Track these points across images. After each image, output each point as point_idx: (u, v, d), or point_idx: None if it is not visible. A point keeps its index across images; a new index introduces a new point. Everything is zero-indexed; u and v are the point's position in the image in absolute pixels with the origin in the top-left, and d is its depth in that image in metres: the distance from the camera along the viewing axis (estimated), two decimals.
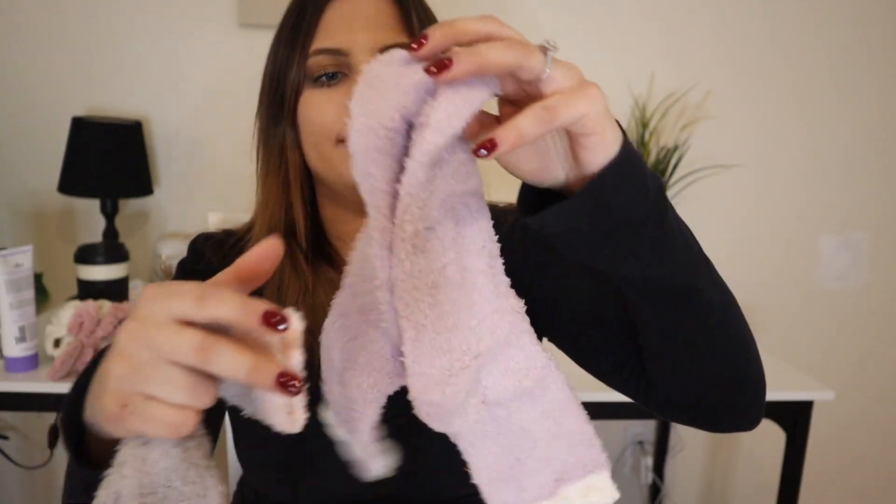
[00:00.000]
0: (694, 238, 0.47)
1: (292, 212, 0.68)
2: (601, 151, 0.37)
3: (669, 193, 1.81)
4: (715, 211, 1.88)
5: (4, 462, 1.79)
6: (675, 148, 1.77)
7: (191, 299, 0.34)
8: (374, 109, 0.37)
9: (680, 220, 0.45)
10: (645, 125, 1.78)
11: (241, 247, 0.71)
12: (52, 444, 1.79)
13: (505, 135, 0.34)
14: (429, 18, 0.66)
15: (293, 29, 0.65)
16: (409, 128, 0.38)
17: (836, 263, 1.96)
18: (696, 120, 1.83)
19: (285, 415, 0.37)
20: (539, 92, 0.36)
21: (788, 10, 1.81)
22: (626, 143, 0.38)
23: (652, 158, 1.77)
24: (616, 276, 0.44)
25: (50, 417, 1.81)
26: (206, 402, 0.35)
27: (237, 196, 1.77)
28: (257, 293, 0.66)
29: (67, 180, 1.59)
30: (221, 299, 0.34)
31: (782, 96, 1.85)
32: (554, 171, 0.40)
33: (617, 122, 0.38)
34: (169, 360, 0.34)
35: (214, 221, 1.42)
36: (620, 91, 1.79)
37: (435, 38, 0.35)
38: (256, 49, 1.69)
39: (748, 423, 0.56)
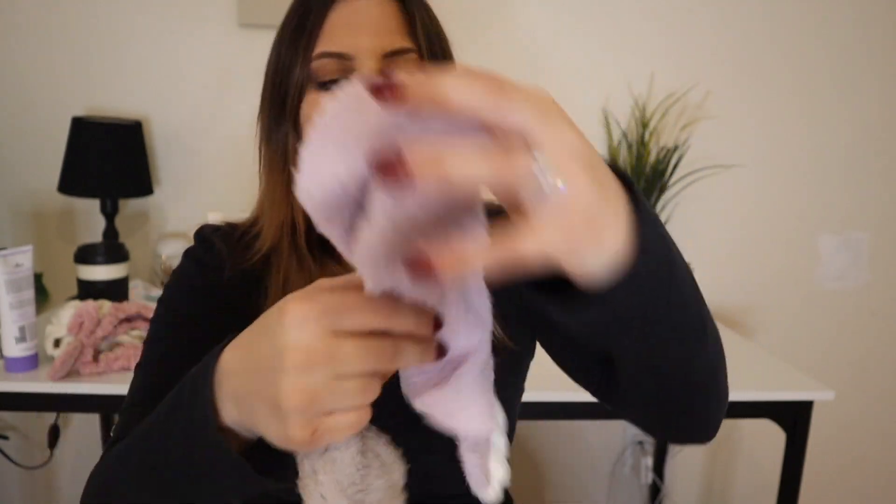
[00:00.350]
0: (686, 266, 0.43)
1: (293, 212, 0.69)
2: (609, 254, 0.30)
3: (669, 193, 1.81)
4: (715, 211, 1.88)
5: (4, 462, 1.79)
6: (675, 148, 1.77)
7: (345, 311, 0.35)
8: (320, 165, 0.31)
9: (678, 253, 0.41)
10: (645, 125, 1.78)
11: (247, 241, 0.71)
12: (52, 444, 1.80)
13: (447, 263, 0.28)
14: (432, 22, 0.66)
15: (296, 29, 0.64)
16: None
17: (836, 263, 1.96)
18: (696, 120, 1.83)
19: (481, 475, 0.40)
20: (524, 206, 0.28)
21: (788, 10, 1.81)
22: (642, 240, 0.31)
23: (652, 158, 1.77)
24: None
25: (50, 417, 1.81)
26: (377, 393, 0.37)
27: (237, 196, 1.77)
28: (263, 291, 0.66)
29: (67, 180, 1.59)
30: (399, 315, 0.35)
31: (782, 96, 1.85)
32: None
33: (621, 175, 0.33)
34: (343, 376, 0.34)
35: (214, 221, 1.42)
36: (620, 91, 1.80)
37: (409, 94, 0.27)
38: (256, 49, 1.69)
39: (703, 438, 0.56)
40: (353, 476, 0.45)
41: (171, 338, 0.66)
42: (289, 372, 0.34)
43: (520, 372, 0.73)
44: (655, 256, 0.32)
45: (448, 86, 0.27)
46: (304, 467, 0.44)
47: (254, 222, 0.73)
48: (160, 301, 0.70)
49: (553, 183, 0.27)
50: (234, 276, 0.68)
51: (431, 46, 0.64)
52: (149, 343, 0.68)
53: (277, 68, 0.66)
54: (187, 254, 0.73)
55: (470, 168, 0.26)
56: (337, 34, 0.61)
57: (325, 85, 0.63)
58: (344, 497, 0.45)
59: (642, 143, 1.77)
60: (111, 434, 0.63)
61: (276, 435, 0.37)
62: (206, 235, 0.74)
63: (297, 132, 0.66)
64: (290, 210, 0.68)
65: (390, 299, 0.35)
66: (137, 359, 1.21)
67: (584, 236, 0.28)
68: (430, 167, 0.26)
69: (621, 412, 0.59)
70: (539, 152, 0.27)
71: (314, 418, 0.35)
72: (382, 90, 0.27)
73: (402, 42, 0.62)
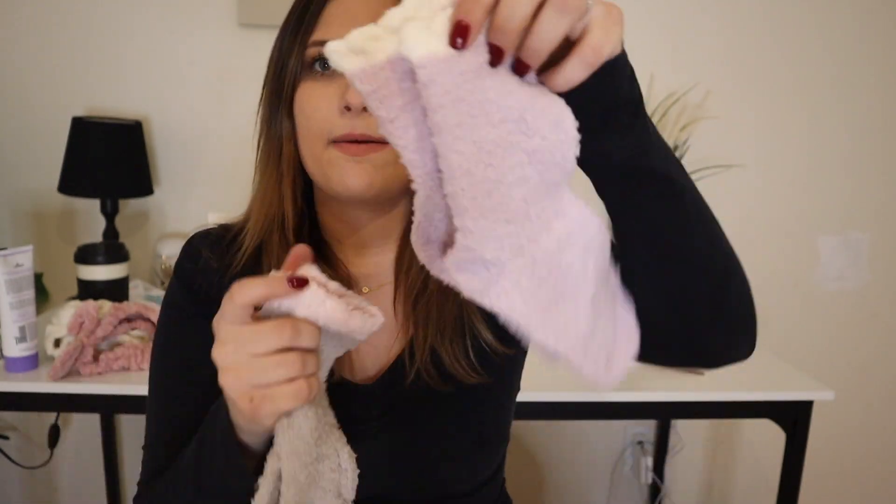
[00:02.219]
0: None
1: (283, 204, 0.67)
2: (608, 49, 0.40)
3: None
4: (715, 211, 1.87)
5: (4, 462, 1.79)
6: (675, 148, 1.77)
7: (227, 305, 0.46)
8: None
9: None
10: None
11: (239, 242, 0.70)
12: (52, 444, 1.80)
13: (555, 82, 0.38)
14: None
15: (297, 19, 0.64)
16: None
17: (836, 264, 1.96)
18: (696, 120, 1.83)
19: (360, 320, 0.47)
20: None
21: (788, 10, 1.81)
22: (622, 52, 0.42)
23: None
24: (603, 161, 0.46)
25: (50, 417, 1.81)
26: (308, 367, 0.46)
27: (237, 196, 1.77)
28: None
29: (67, 180, 1.59)
30: (250, 287, 0.45)
31: (782, 96, 1.85)
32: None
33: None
34: (256, 354, 0.45)
35: (214, 221, 1.42)
36: None
37: (473, 23, 0.35)
38: (256, 49, 1.70)
39: (739, 347, 0.56)
40: (310, 449, 0.50)
41: (173, 370, 0.66)
42: (221, 369, 0.46)
43: (514, 371, 0.73)
44: (629, 68, 0.43)
45: (543, 33, 0.36)
46: (273, 447, 0.50)
47: (246, 221, 0.73)
48: (159, 325, 0.70)
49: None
50: (227, 283, 0.68)
51: None
52: (156, 375, 0.68)
53: (276, 60, 0.66)
54: (178, 268, 0.72)
55: (558, 26, 0.36)
56: (332, 24, 0.61)
57: (314, 67, 0.62)
58: (302, 470, 0.50)
59: None
60: (141, 471, 0.66)
61: (235, 418, 0.49)
62: (193, 247, 0.72)
63: (291, 121, 0.65)
64: (280, 203, 0.67)
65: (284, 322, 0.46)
66: (137, 359, 1.23)
67: (621, 36, 0.39)
68: (537, 41, 0.36)
69: (651, 341, 0.54)
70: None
71: (248, 390, 0.45)
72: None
73: None
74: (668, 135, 1.82)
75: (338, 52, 0.39)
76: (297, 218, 0.68)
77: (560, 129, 0.39)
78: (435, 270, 0.43)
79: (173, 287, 0.70)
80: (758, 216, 1.90)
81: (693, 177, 1.87)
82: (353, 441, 0.55)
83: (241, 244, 0.69)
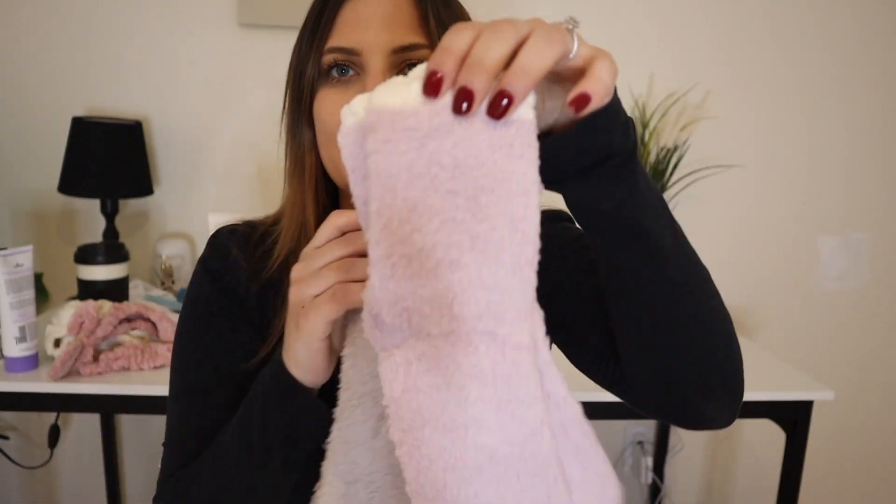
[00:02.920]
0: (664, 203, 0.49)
1: (306, 213, 0.67)
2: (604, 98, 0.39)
3: (669, 194, 1.81)
4: (715, 211, 1.88)
5: (4, 462, 1.79)
6: (675, 148, 1.77)
7: (327, 223, 0.50)
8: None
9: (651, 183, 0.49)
10: (645, 125, 1.78)
11: (267, 245, 0.69)
12: (52, 444, 1.80)
13: (595, 89, 0.36)
14: (451, 15, 0.63)
15: (312, 26, 0.63)
16: None
17: (836, 264, 1.96)
18: (696, 120, 1.83)
19: None
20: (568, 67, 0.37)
21: (788, 10, 1.81)
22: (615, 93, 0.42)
23: (652, 158, 1.77)
24: (591, 206, 0.45)
25: (50, 417, 1.81)
26: (354, 271, 0.48)
27: (237, 196, 1.77)
28: (280, 300, 0.66)
29: (67, 180, 1.59)
30: (323, 253, 0.49)
31: (782, 96, 1.85)
32: (550, 115, 0.41)
33: None
34: (318, 268, 0.49)
35: (214, 221, 1.42)
36: (620, 91, 1.79)
37: (446, 71, 0.33)
38: (256, 49, 1.70)
39: (719, 416, 0.55)
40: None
41: (201, 366, 0.65)
42: (291, 283, 0.50)
43: None
44: (623, 116, 0.43)
45: (531, 66, 0.34)
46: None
47: (274, 221, 0.72)
48: (183, 320, 0.68)
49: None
50: (256, 288, 0.67)
51: None
52: (182, 370, 0.66)
53: (295, 67, 0.65)
54: (202, 264, 0.70)
55: (547, 57, 0.34)
56: (347, 30, 0.61)
57: (330, 73, 0.62)
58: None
59: (642, 143, 1.77)
60: (161, 469, 0.65)
61: (292, 332, 0.51)
62: (221, 242, 0.71)
63: (312, 130, 0.65)
64: (304, 212, 0.67)
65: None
66: (137, 359, 1.23)
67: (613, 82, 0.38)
68: (523, 78, 0.33)
69: (631, 392, 0.57)
70: (575, 26, 0.37)
71: (304, 299, 0.49)
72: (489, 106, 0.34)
73: (413, 37, 0.60)
74: (668, 135, 1.82)
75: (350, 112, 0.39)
76: (316, 226, 0.67)
77: (515, 229, 0.34)
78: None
79: (201, 282, 0.69)
80: (758, 216, 1.90)
81: (693, 177, 1.86)
82: None
83: (273, 249, 0.68)
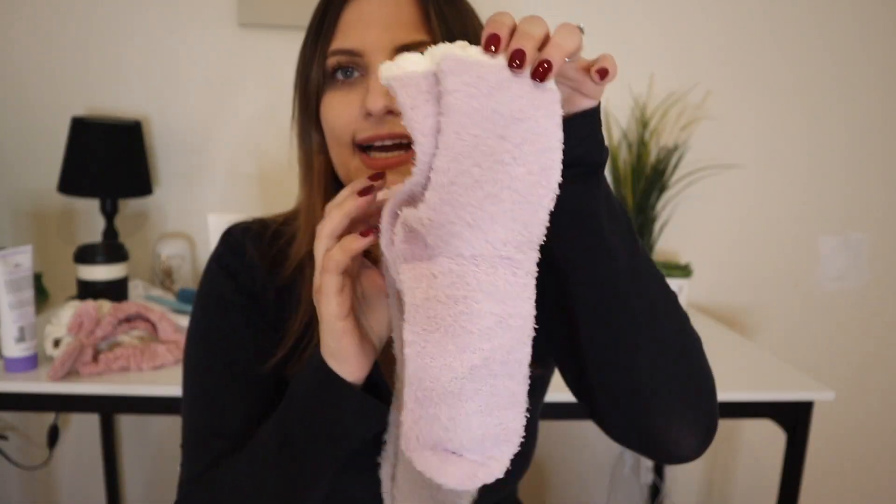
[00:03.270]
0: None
1: (316, 217, 0.66)
2: (591, 102, 0.47)
3: (669, 193, 1.81)
4: (715, 211, 1.88)
5: (4, 462, 1.79)
6: (675, 148, 1.77)
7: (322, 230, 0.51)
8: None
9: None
10: (645, 125, 1.78)
11: (280, 245, 0.69)
12: (51, 444, 1.80)
13: (611, 66, 0.44)
14: (454, 12, 0.63)
15: (316, 28, 0.63)
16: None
17: (836, 264, 1.96)
18: (696, 120, 1.83)
19: None
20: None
21: (788, 11, 1.81)
22: (595, 111, 0.47)
23: (652, 158, 1.77)
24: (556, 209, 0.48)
25: (49, 417, 1.81)
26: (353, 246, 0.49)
27: (237, 196, 1.77)
28: (295, 301, 0.66)
29: (67, 180, 1.59)
30: (328, 220, 0.50)
31: (782, 96, 1.85)
32: None
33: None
34: (324, 238, 0.50)
35: (214, 221, 1.42)
36: (620, 91, 1.80)
37: (506, 40, 0.41)
38: (256, 49, 1.70)
39: (687, 438, 0.54)
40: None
41: (220, 364, 0.64)
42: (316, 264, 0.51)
43: (542, 390, 0.75)
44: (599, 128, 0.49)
45: (562, 44, 0.42)
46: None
47: (285, 220, 0.71)
48: (197, 318, 0.67)
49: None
50: (272, 290, 0.67)
51: (451, 40, 0.61)
52: (196, 370, 0.65)
53: (301, 71, 0.65)
54: (217, 262, 0.69)
55: (574, 41, 0.43)
56: (349, 31, 0.61)
57: (335, 76, 0.62)
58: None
59: (642, 143, 1.77)
60: (182, 471, 0.63)
61: (325, 316, 0.51)
62: (236, 240, 0.70)
63: (320, 134, 0.65)
64: (315, 216, 0.66)
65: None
66: (137, 359, 1.22)
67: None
68: (557, 50, 0.42)
69: (604, 423, 0.57)
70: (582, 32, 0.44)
71: (320, 263, 0.50)
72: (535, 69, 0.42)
73: (416, 35, 0.60)
74: (668, 135, 1.82)
75: (386, 67, 0.43)
76: None
77: (544, 176, 0.42)
78: (384, 242, 0.47)
79: (217, 279, 0.68)
80: (758, 216, 1.90)
81: (693, 177, 1.86)
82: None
83: (287, 250, 0.68)
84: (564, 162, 0.43)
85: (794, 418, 1.29)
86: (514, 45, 0.40)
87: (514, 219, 0.42)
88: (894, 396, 2.04)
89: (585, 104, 0.46)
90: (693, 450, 0.55)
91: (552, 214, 0.44)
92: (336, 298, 0.49)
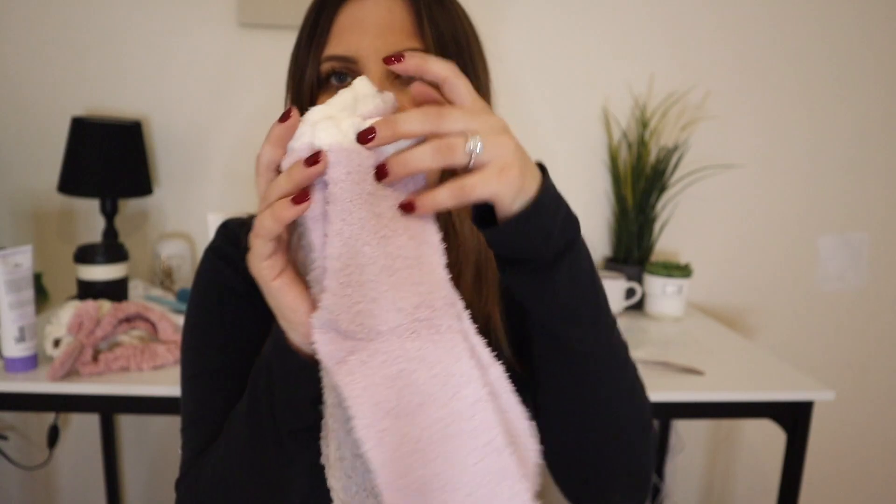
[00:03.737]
0: (596, 293, 0.53)
1: None
2: (507, 214, 0.46)
3: (669, 193, 1.81)
4: (715, 211, 1.88)
5: (4, 462, 1.79)
6: (675, 148, 1.77)
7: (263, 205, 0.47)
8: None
9: (589, 272, 0.52)
10: (645, 125, 1.78)
11: None
12: (51, 444, 1.79)
13: (422, 202, 0.44)
14: (448, 20, 0.62)
15: (310, 32, 0.63)
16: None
17: (836, 264, 1.96)
18: (696, 120, 1.83)
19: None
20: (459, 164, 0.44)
21: (788, 10, 1.81)
22: (539, 198, 0.46)
23: (652, 158, 1.77)
24: (513, 288, 0.52)
25: (49, 418, 1.81)
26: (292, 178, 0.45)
27: (237, 196, 1.77)
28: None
29: (67, 180, 1.59)
30: (273, 188, 0.46)
31: (782, 96, 1.85)
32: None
33: (541, 165, 0.49)
34: (263, 172, 0.47)
35: (214, 221, 1.41)
36: (620, 91, 1.80)
37: (380, 136, 0.43)
38: (256, 49, 1.70)
39: (623, 501, 0.60)
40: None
41: (214, 347, 0.65)
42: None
43: (527, 391, 0.74)
44: (551, 196, 0.48)
45: (401, 121, 0.43)
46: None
47: None
48: (194, 305, 0.68)
49: (478, 152, 0.43)
50: None
51: (443, 45, 0.61)
52: (196, 351, 0.66)
53: (293, 73, 0.65)
54: (211, 250, 0.71)
55: (430, 159, 0.43)
56: (343, 36, 0.60)
57: (329, 81, 0.62)
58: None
59: (642, 143, 1.77)
60: (183, 453, 0.64)
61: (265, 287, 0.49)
62: (231, 230, 0.72)
63: None
64: None
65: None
66: (137, 359, 1.22)
67: (512, 198, 0.45)
68: (401, 165, 0.44)
69: (553, 474, 0.61)
70: (473, 137, 0.43)
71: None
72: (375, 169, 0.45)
73: (409, 42, 0.59)
74: (668, 135, 1.82)
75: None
76: None
77: (426, 236, 0.45)
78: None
79: (214, 266, 0.69)
80: (758, 216, 1.90)
81: (693, 177, 1.86)
82: None
83: None
84: (509, 257, 0.47)
85: (794, 418, 1.29)
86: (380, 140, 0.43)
87: (415, 282, 0.44)
88: (894, 396, 2.04)
89: (515, 207, 0.46)
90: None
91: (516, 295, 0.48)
92: (265, 262, 0.47)
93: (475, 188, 0.43)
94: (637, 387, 0.58)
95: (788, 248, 1.93)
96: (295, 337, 0.50)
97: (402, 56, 0.45)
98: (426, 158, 0.43)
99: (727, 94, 1.83)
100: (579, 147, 1.82)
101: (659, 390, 1.24)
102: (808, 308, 1.96)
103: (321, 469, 0.53)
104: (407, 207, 0.44)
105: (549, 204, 0.47)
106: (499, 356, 0.68)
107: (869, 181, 1.92)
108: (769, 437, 1.96)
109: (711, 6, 1.79)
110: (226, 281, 0.67)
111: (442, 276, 0.45)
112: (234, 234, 0.71)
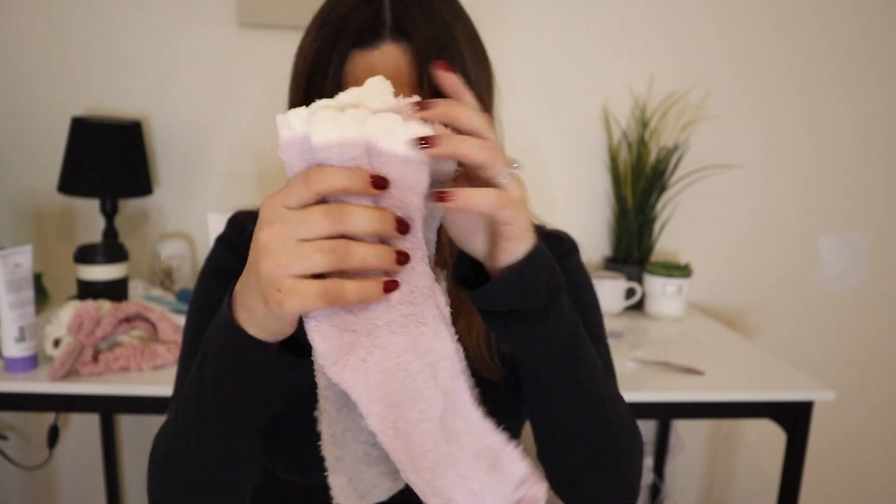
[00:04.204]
0: (581, 343, 0.56)
1: None
2: (509, 256, 0.49)
3: (669, 193, 1.81)
4: (715, 211, 1.88)
5: (4, 462, 1.79)
6: (675, 148, 1.77)
7: (300, 185, 0.42)
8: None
9: (573, 322, 0.55)
10: (645, 125, 1.78)
11: None
12: (51, 444, 1.79)
13: (460, 194, 0.43)
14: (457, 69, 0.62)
15: (316, 75, 0.61)
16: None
17: (837, 264, 1.96)
18: (696, 120, 1.83)
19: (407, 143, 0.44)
20: (492, 183, 0.46)
21: (788, 10, 1.81)
22: (529, 260, 0.49)
23: (652, 158, 1.77)
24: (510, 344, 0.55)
25: (49, 417, 1.81)
26: (352, 258, 0.42)
27: (237, 196, 1.77)
28: None
29: (67, 180, 1.59)
30: (331, 175, 0.42)
31: (782, 96, 1.85)
32: (475, 244, 0.50)
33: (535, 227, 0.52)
34: (302, 240, 0.41)
35: (214, 221, 1.41)
36: (621, 91, 1.80)
37: (439, 149, 0.43)
38: (256, 49, 1.70)
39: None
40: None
41: (202, 329, 0.64)
42: (262, 251, 0.42)
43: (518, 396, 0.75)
44: (542, 261, 0.50)
45: (464, 145, 0.44)
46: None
47: None
48: (196, 290, 0.72)
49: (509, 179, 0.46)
50: None
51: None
52: (189, 332, 0.69)
53: (299, 79, 0.63)
54: (220, 240, 0.75)
55: (477, 151, 0.44)
56: (359, 83, 0.60)
57: None
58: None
59: (642, 143, 1.77)
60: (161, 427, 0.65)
61: (259, 305, 0.44)
62: (240, 220, 0.76)
63: None
64: None
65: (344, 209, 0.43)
66: (137, 359, 1.22)
67: (523, 233, 0.48)
68: (452, 144, 0.43)
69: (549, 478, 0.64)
70: (517, 166, 0.47)
71: (283, 278, 0.41)
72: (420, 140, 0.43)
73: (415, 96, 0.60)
74: (668, 135, 1.82)
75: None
76: None
77: (417, 242, 0.45)
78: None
79: (222, 255, 0.74)
80: (758, 216, 1.90)
81: (693, 177, 1.86)
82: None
83: None
84: (497, 308, 0.50)
85: (794, 418, 1.29)
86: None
87: (401, 279, 0.45)
88: (894, 396, 2.04)
89: (505, 259, 0.49)
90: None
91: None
92: (305, 312, 0.46)
93: (506, 208, 0.45)
94: (621, 416, 0.61)
95: (788, 248, 1.93)
96: (260, 335, 0.47)
97: (455, 70, 0.48)
98: (474, 148, 0.44)
99: (727, 94, 1.83)
100: (579, 147, 1.82)
101: (659, 390, 1.24)
102: (808, 308, 1.96)
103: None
104: (443, 196, 0.43)
105: (543, 255, 0.50)
106: (485, 372, 0.71)
107: (869, 181, 1.92)
108: (769, 437, 1.96)
109: (711, 6, 1.79)
110: (228, 267, 0.71)
111: (424, 268, 0.46)
112: (241, 224, 0.75)
